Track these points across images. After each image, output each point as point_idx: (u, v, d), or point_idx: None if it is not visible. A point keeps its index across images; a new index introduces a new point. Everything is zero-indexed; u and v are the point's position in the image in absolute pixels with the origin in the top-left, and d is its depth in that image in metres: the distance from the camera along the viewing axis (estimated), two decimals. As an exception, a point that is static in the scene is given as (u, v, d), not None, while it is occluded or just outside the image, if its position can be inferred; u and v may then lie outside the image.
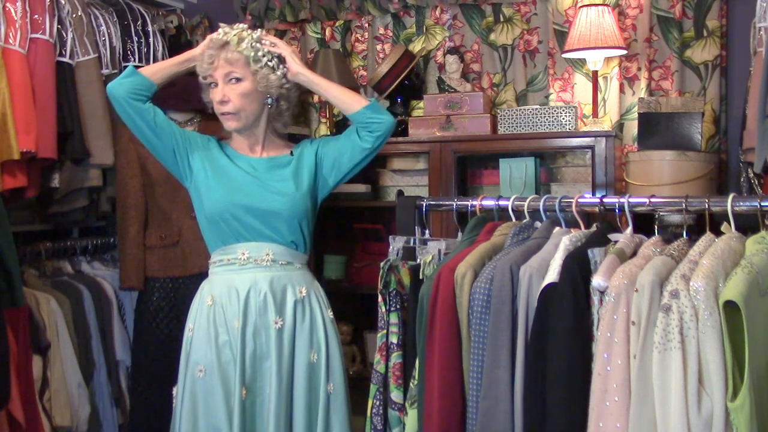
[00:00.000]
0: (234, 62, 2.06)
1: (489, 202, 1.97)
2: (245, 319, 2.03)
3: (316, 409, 2.08)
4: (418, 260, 1.94)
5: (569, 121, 3.12)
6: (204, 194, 2.10)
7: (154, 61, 3.30)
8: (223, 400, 2.00)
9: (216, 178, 2.10)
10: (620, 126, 3.31)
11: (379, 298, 1.93)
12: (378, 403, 1.88)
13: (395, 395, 1.86)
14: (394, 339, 1.89)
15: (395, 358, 1.88)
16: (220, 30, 2.10)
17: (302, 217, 2.13)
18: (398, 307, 1.90)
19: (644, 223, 1.79)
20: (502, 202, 1.94)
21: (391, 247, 2.02)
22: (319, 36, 3.82)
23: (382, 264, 1.95)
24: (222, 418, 1.99)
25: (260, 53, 2.08)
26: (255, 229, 2.07)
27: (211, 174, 2.10)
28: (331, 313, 2.17)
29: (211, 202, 2.08)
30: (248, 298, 2.04)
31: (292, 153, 2.21)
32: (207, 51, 2.06)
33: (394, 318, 1.90)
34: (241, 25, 2.11)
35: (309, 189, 2.16)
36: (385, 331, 1.91)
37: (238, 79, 2.07)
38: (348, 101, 2.14)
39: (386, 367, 1.89)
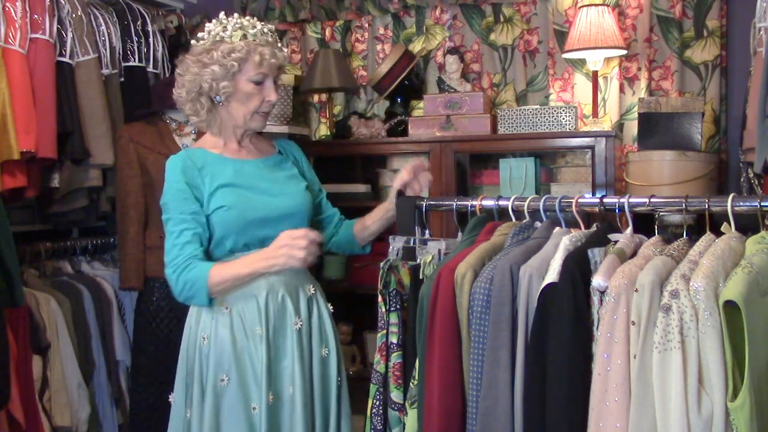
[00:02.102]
0: (283, 65, 2.09)
1: (489, 202, 1.96)
2: (266, 323, 2.00)
3: (329, 401, 2.09)
4: (418, 260, 1.94)
5: (569, 121, 3.12)
6: (218, 217, 2.02)
7: (153, 62, 3.29)
8: (244, 407, 1.97)
9: (224, 200, 2.01)
10: (620, 126, 3.31)
11: (379, 298, 1.93)
12: (378, 403, 1.88)
13: (395, 395, 1.86)
14: (394, 339, 1.89)
15: (395, 358, 1.88)
16: (250, 24, 2.05)
17: (310, 215, 2.15)
18: (398, 307, 1.90)
19: (644, 223, 1.79)
20: (502, 202, 1.93)
21: (391, 247, 2.02)
22: (319, 36, 3.82)
23: (381, 264, 1.95)
24: (244, 426, 1.96)
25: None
26: (269, 237, 2.03)
27: (219, 199, 2.02)
28: (330, 306, 2.18)
29: (224, 226, 2.02)
30: (267, 302, 2.01)
31: (280, 152, 2.22)
32: (262, 48, 2.02)
33: (394, 318, 1.90)
34: (254, 20, 2.09)
35: (308, 185, 2.19)
36: (384, 331, 1.90)
37: (276, 81, 2.09)
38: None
39: (386, 367, 1.89)
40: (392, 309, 1.90)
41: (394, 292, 1.91)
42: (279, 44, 2.08)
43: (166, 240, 2.01)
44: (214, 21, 2.09)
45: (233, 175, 2.05)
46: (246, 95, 2.04)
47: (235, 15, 2.07)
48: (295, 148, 2.29)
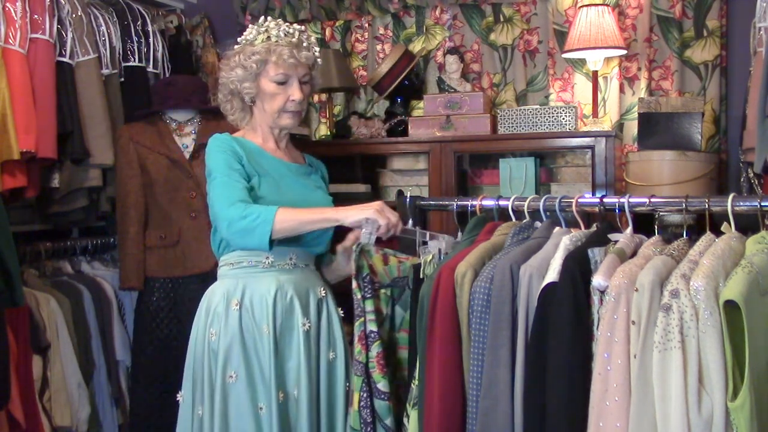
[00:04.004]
0: (309, 64, 2.10)
1: (489, 202, 1.97)
2: (274, 321, 2.00)
3: (335, 406, 2.09)
4: (419, 260, 1.94)
5: (569, 121, 3.12)
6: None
7: (153, 62, 3.29)
8: (251, 406, 1.97)
9: (258, 190, 2.04)
10: (620, 126, 3.31)
11: (354, 284, 1.89)
12: (365, 395, 1.85)
13: (382, 385, 1.84)
14: (373, 327, 1.86)
15: (376, 347, 1.85)
16: (276, 26, 2.07)
17: (334, 228, 2.15)
18: (372, 294, 1.88)
19: (644, 223, 1.79)
20: (502, 202, 1.94)
21: (363, 230, 1.90)
22: (319, 36, 3.82)
23: (354, 248, 1.93)
24: (252, 424, 1.96)
25: (319, 58, 2.15)
26: (291, 238, 2.03)
27: (259, 184, 2.05)
28: (341, 310, 2.18)
29: None
30: (275, 300, 2.01)
31: (310, 165, 2.26)
32: (281, 48, 2.04)
33: (369, 305, 1.87)
34: (282, 22, 2.11)
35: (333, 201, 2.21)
36: (362, 319, 1.88)
37: (307, 81, 2.12)
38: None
39: (367, 356, 1.86)
40: (367, 296, 1.88)
41: (368, 278, 1.89)
42: (306, 44, 2.10)
43: (214, 190, 1.99)
44: (250, 26, 2.13)
45: (269, 168, 2.09)
46: (270, 95, 2.08)
47: (269, 18, 2.12)
48: (323, 168, 2.32)
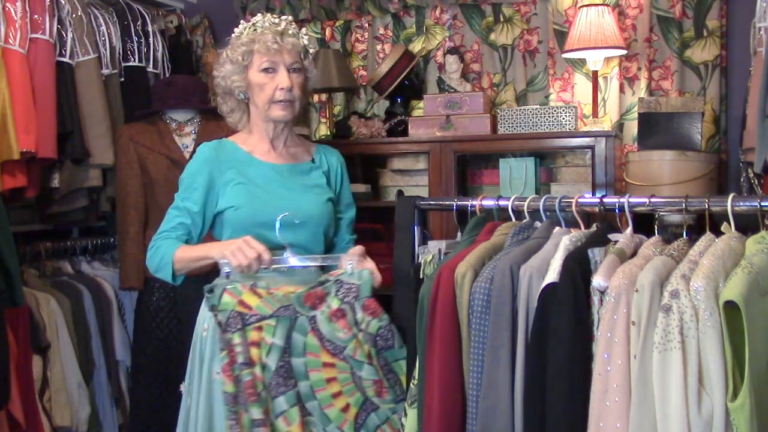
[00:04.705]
0: (297, 51, 2.08)
1: (489, 202, 1.96)
2: None
3: None
4: (419, 260, 1.94)
5: (569, 121, 3.12)
6: (229, 216, 2.05)
7: (153, 62, 3.29)
8: None
9: (236, 200, 2.04)
10: (620, 126, 3.31)
11: (214, 319, 1.88)
12: (233, 423, 1.82)
13: (255, 412, 1.82)
14: (240, 359, 1.84)
15: (245, 376, 1.84)
16: (262, 18, 2.09)
17: (328, 226, 2.14)
18: (238, 327, 1.85)
19: (644, 223, 1.79)
20: (502, 202, 1.93)
21: (223, 270, 1.94)
22: (319, 36, 3.82)
23: (205, 287, 1.90)
24: None
25: (309, 46, 2.13)
26: (277, 241, 2.03)
27: (232, 197, 2.05)
28: None
29: (233, 225, 2.04)
30: None
31: (314, 160, 2.21)
32: (265, 36, 2.04)
33: (236, 338, 1.85)
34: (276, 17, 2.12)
35: (332, 197, 2.18)
36: (225, 352, 1.85)
37: (298, 69, 2.09)
38: None
39: (236, 387, 1.84)
40: (230, 330, 1.85)
41: (234, 313, 1.86)
42: (291, 31, 2.08)
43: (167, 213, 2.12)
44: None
45: (254, 175, 2.08)
46: (259, 86, 2.07)
47: (259, 15, 2.12)
48: (335, 158, 2.26)
